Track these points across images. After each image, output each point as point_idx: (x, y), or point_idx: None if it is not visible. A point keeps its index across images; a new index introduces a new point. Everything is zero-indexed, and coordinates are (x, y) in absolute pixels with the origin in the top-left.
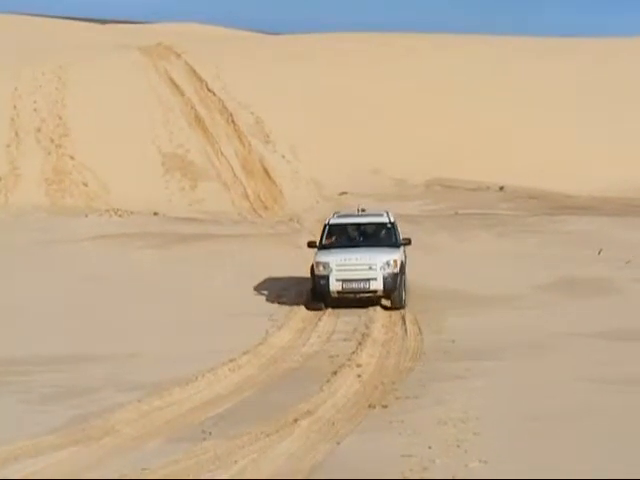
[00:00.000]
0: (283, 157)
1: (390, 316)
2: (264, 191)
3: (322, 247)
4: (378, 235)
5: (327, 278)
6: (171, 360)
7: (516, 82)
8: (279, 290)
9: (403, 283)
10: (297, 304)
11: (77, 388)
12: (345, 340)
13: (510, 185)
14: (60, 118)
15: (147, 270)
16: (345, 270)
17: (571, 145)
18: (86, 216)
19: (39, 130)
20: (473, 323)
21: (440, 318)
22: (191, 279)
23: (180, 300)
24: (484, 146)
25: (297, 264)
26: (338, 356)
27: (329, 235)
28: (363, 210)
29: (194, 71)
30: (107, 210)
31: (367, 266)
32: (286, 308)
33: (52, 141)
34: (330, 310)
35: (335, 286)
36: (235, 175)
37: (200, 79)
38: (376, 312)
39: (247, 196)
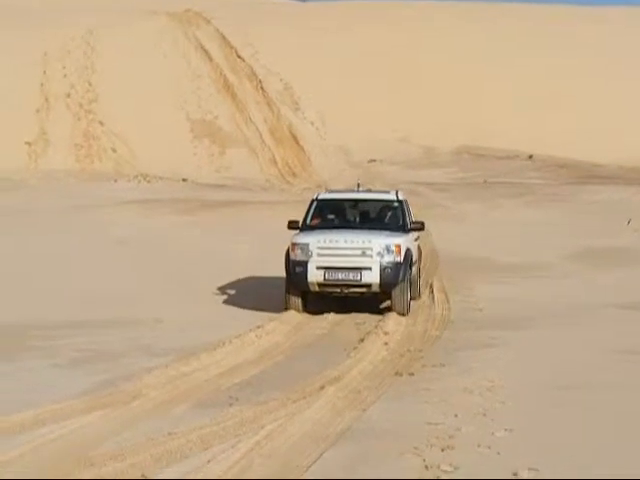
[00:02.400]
0: (312, 124)
1: None
2: (292, 158)
3: (306, 228)
4: (381, 216)
5: (305, 265)
6: (197, 326)
7: (547, 51)
8: None
9: (409, 279)
10: None
11: (104, 353)
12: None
13: (539, 154)
14: (89, 84)
15: (174, 236)
16: (329, 255)
17: (601, 114)
18: (115, 181)
19: (68, 96)
20: (501, 292)
21: (468, 286)
22: (218, 246)
23: (206, 267)
24: (513, 115)
25: None
26: (365, 323)
27: (317, 213)
28: (369, 191)
29: (224, 37)
30: (136, 176)
31: (360, 251)
32: None
33: (81, 106)
34: None
35: (315, 276)
36: (263, 142)
37: (230, 45)
38: None
39: (275, 163)
